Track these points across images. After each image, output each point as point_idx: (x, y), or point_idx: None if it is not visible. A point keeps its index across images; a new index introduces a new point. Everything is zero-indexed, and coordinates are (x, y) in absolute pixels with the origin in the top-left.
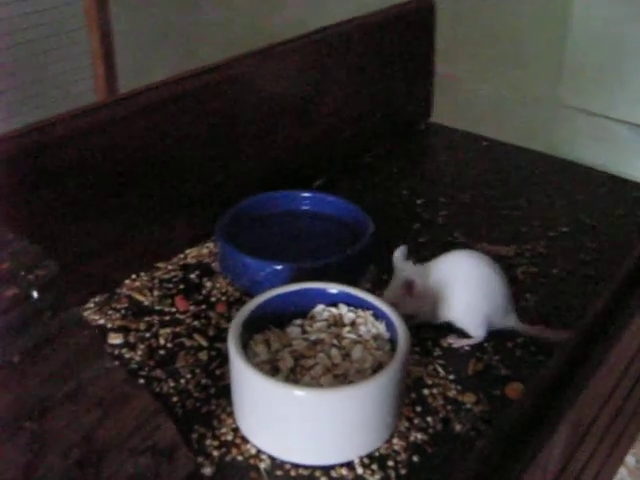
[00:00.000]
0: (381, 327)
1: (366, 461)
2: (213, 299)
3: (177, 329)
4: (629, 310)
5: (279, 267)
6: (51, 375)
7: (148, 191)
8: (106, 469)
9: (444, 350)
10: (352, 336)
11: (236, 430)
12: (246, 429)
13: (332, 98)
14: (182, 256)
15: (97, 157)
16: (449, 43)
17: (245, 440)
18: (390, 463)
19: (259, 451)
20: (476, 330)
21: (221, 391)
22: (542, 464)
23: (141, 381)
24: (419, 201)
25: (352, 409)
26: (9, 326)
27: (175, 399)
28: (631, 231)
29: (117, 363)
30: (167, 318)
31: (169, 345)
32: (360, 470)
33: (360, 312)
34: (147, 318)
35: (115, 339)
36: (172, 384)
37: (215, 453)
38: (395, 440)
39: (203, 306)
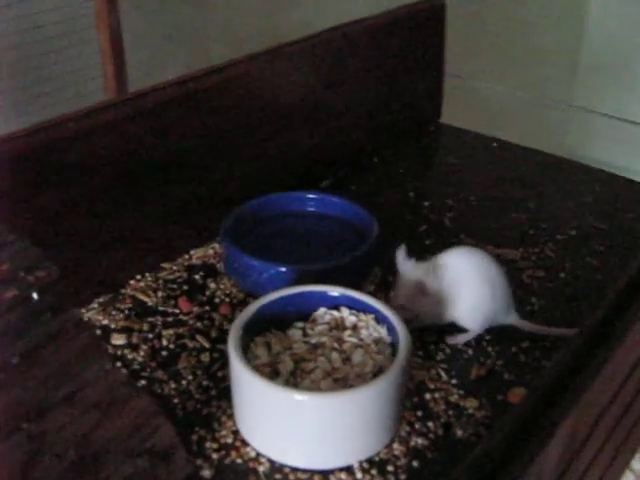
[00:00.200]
0: (382, 331)
1: (366, 466)
2: (217, 300)
3: (180, 330)
4: (632, 313)
5: (283, 269)
6: (50, 377)
7: (154, 191)
8: (103, 471)
9: (447, 354)
10: (353, 340)
11: (236, 433)
12: (246, 432)
13: (341, 98)
14: (187, 257)
15: (103, 157)
16: (461, 43)
17: (245, 443)
18: (390, 468)
19: (258, 454)
20: (473, 323)
21: (222, 393)
22: (536, 472)
23: (143, 382)
24: (426, 203)
25: (351, 414)
26: (8, 327)
27: (176, 400)
28: None
29: (118, 364)
30: (170, 319)
31: (171, 346)
32: (359, 475)
33: (362, 315)
34: (150, 319)
35: (118, 340)
36: (173, 385)
37: (214, 456)
38: (395, 445)
39: (207, 307)
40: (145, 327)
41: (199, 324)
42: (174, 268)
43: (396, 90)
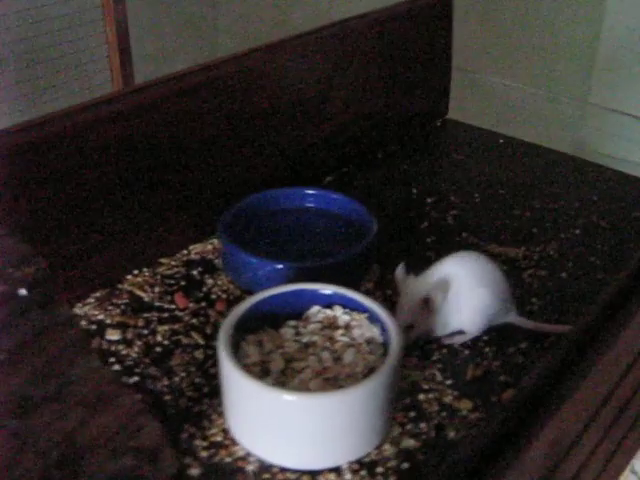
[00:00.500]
0: (375, 331)
1: (355, 467)
2: (213, 296)
3: (175, 326)
4: (625, 313)
5: (280, 266)
6: (36, 373)
7: (153, 185)
8: (86, 469)
9: (443, 354)
10: (345, 339)
11: (226, 431)
12: (235, 430)
13: (345, 93)
14: (186, 252)
15: (101, 151)
16: (473, 37)
17: (234, 442)
18: (379, 469)
19: (247, 453)
20: (475, 328)
21: (214, 390)
22: (515, 477)
23: (136, 378)
24: (429, 200)
25: (341, 414)
26: None
27: (168, 397)
28: None
29: (112, 360)
30: (166, 315)
31: (166, 342)
32: (348, 476)
33: (355, 315)
34: (146, 314)
35: (113, 335)
36: (166, 382)
37: (203, 454)
38: (386, 446)
39: (203, 303)
40: (140, 323)
41: (194, 320)
42: (172, 263)
43: (402, 85)
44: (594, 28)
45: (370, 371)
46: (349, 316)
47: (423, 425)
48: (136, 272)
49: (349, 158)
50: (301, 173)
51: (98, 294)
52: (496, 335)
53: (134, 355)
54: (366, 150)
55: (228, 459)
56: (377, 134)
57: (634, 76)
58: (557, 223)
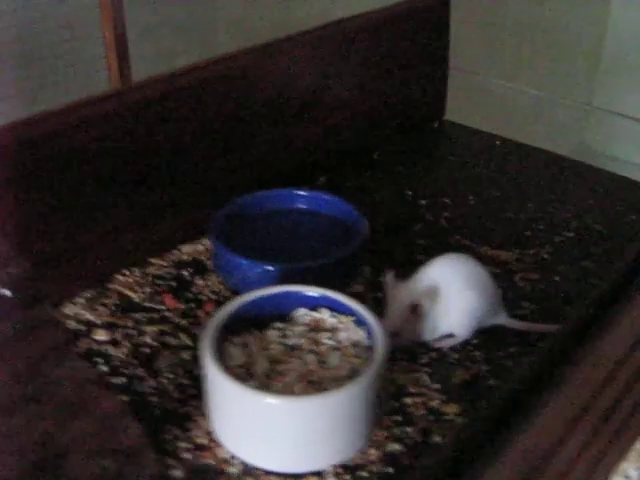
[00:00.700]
0: (362, 334)
1: (339, 470)
2: (203, 297)
3: (164, 327)
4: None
5: (270, 267)
6: (18, 374)
7: (145, 184)
8: (65, 470)
9: (432, 358)
10: (330, 342)
11: (210, 433)
12: (219, 433)
13: (340, 94)
14: (177, 252)
15: (92, 151)
16: (475, 37)
17: (218, 444)
18: (363, 474)
19: (231, 456)
20: (465, 331)
21: (200, 392)
22: None
23: (122, 379)
24: (423, 201)
25: (324, 418)
26: None
27: (153, 399)
28: None
29: (99, 361)
30: (155, 316)
31: (154, 343)
32: None
33: (342, 318)
34: (135, 315)
35: (101, 335)
36: (152, 383)
37: (187, 456)
38: (371, 450)
39: (192, 304)
40: (129, 323)
41: (183, 321)
42: (163, 263)
43: (398, 86)
44: (599, 29)
45: (355, 375)
46: (335, 319)
47: (409, 429)
48: (126, 272)
49: (344, 159)
50: (295, 174)
51: (88, 294)
52: (486, 339)
53: (121, 356)
54: (361, 151)
55: (211, 461)
56: (373, 135)
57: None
58: (551, 226)
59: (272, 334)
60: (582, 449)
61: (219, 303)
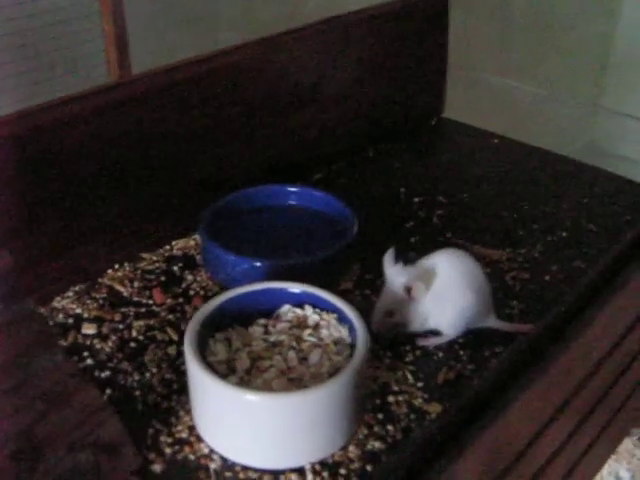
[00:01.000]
0: (344, 331)
1: (318, 468)
2: (192, 292)
3: (151, 322)
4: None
5: (257, 263)
6: None
7: (138, 179)
8: (42, 463)
9: (416, 356)
10: (312, 339)
11: (192, 428)
12: (200, 428)
13: (337, 90)
14: (168, 247)
15: (86, 145)
16: (481, 35)
17: (200, 439)
18: (342, 471)
19: (211, 451)
20: (454, 330)
21: (184, 387)
22: None
23: (107, 373)
24: (417, 199)
25: (303, 414)
26: None
27: (137, 393)
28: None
29: (85, 354)
30: (143, 310)
31: (140, 338)
32: (310, 477)
33: (325, 315)
34: (123, 309)
35: (89, 329)
36: (137, 377)
37: (168, 450)
38: (351, 447)
39: (180, 299)
40: (117, 317)
41: (171, 316)
42: (154, 258)
43: (396, 82)
44: (608, 27)
45: (336, 372)
46: (318, 316)
47: (390, 427)
48: (117, 266)
49: (339, 155)
50: (290, 170)
51: (77, 288)
52: (472, 338)
53: (108, 350)
54: (357, 148)
55: (192, 456)
56: (369, 131)
57: None
58: (545, 226)
59: (255, 330)
60: (558, 447)
61: (207, 298)
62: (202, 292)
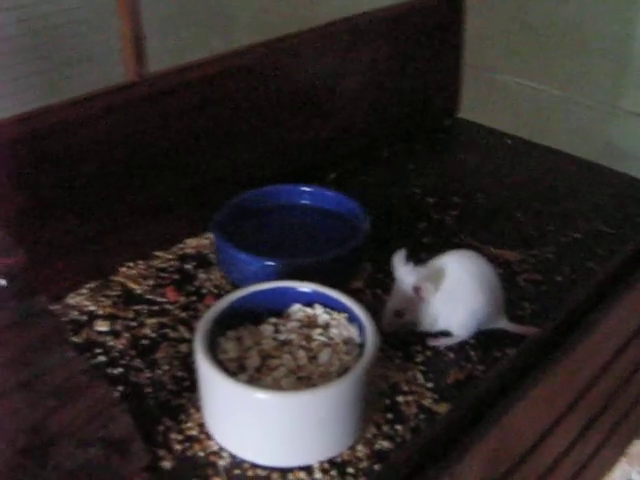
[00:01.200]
0: (353, 331)
1: (326, 466)
2: (204, 291)
3: (164, 319)
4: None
5: (270, 263)
6: (10, 362)
7: (152, 178)
8: (53, 458)
9: (427, 356)
10: (322, 339)
11: (202, 425)
12: (210, 425)
13: (352, 90)
14: (182, 246)
15: (101, 144)
16: (499, 36)
17: (209, 436)
18: (350, 470)
19: (220, 448)
20: (465, 331)
21: (195, 385)
22: None
23: (120, 370)
24: (430, 200)
25: (311, 413)
26: None
27: (149, 390)
28: None
29: (98, 351)
30: (156, 308)
31: (153, 335)
32: (318, 475)
33: (335, 314)
34: (137, 307)
35: (102, 326)
36: (149, 374)
37: (177, 447)
38: (360, 447)
39: (193, 298)
40: (130, 315)
41: (183, 314)
42: (167, 257)
43: (410, 83)
44: (627, 28)
45: (345, 371)
46: (328, 315)
47: (399, 427)
48: (131, 264)
49: (354, 155)
50: (304, 170)
51: (91, 285)
52: (483, 339)
53: (120, 347)
54: (372, 148)
55: (201, 453)
56: (384, 132)
57: None
58: (558, 227)
59: (266, 329)
60: (564, 450)
61: (220, 297)
62: (215, 290)
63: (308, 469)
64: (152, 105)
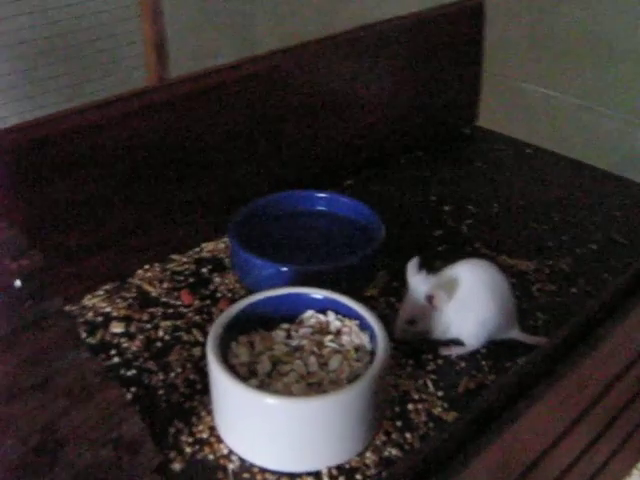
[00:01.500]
0: (365, 338)
1: (334, 472)
2: (219, 295)
3: (178, 322)
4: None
5: (284, 269)
6: (24, 362)
7: (172, 183)
8: (64, 457)
9: (438, 365)
10: (333, 345)
11: (213, 429)
12: (221, 429)
13: (370, 97)
14: (198, 249)
15: (121, 147)
16: (522, 44)
17: (219, 439)
18: (358, 477)
19: (230, 452)
20: (476, 340)
21: (207, 388)
22: None
23: (133, 372)
24: (447, 208)
25: (321, 419)
26: None
27: (161, 392)
28: None
29: (112, 353)
30: (170, 311)
31: (167, 338)
32: None
33: (347, 321)
34: (151, 309)
35: (117, 328)
36: (161, 377)
37: (188, 450)
38: (368, 454)
39: (207, 301)
40: (145, 317)
41: (197, 318)
42: (183, 260)
43: (430, 90)
44: None
45: (355, 378)
46: (340, 322)
47: (408, 435)
48: (147, 267)
49: (371, 162)
50: (321, 176)
51: (108, 286)
52: (495, 349)
53: (134, 349)
54: (389, 155)
55: (211, 456)
56: (402, 139)
57: None
58: (574, 237)
59: (278, 334)
60: (569, 463)
61: (234, 301)
62: (229, 295)
63: (317, 475)
64: (172, 110)
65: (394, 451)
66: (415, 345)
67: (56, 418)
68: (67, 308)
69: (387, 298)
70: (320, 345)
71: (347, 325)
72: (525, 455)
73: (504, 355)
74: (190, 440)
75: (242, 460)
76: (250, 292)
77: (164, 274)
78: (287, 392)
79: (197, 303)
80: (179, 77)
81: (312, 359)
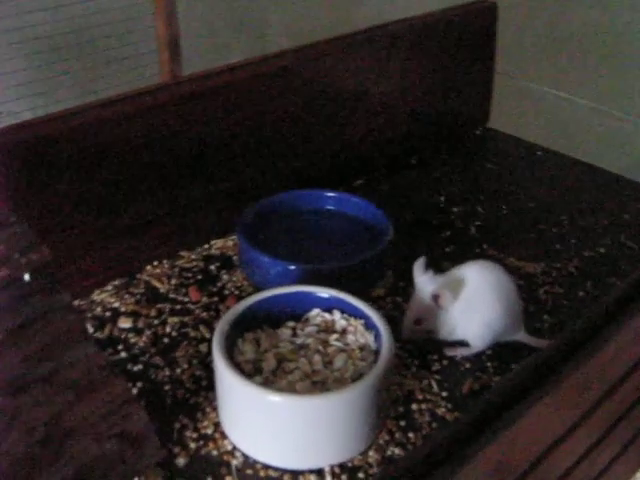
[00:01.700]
0: (369, 337)
1: (337, 470)
2: (226, 292)
3: (185, 319)
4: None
5: (292, 267)
6: (31, 355)
7: (182, 180)
8: (69, 450)
9: (443, 365)
10: (338, 344)
11: (217, 425)
12: (225, 425)
13: (382, 97)
14: (207, 246)
15: (132, 143)
16: (534, 45)
17: (224, 435)
18: (360, 475)
19: (234, 448)
20: (481, 342)
21: (212, 384)
22: None
23: (140, 366)
24: (455, 209)
25: (324, 417)
26: None
27: (167, 387)
28: None
29: (119, 347)
30: (178, 307)
31: (174, 334)
32: (329, 479)
33: (352, 320)
34: (159, 305)
35: (125, 323)
36: (168, 372)
37: (192, 445)
38: (371, 452)
39: (215, 298)
40: (153, 313)
41: (204, 314)
42: (192, 257)
43: (441, 91)
44: None
45: (359, 377)
46: (346, 321)
47: (411, 435)
48: (156, 263)
49: (381, 162)
50: (332, 175)
51: (117, 282)
52: (500, 350)
53: (141, 344)
54: (400, 155)
55: (215, 452)
56: (412, 139)
57: None
58: (582, 240)
59: (284, 332)
60: (568, 467)
61: (241, 299)
62: (237, 292)
63: (319, 472)
64: (184, 107)
65: (397, 450)
66: (421, 345)
67: (62, 411)
68: (76, 303)
69: (394, 298)
70: (325, 344)
71: (352, 324)
72: (525, 457)
73: (509, 357)
74: (195, 436)
75: (245, 456)
76: (257, 290)
77: (173, 270)
78: (291, 390)
79: (205, 300)
80: (192, 75)
81: (317, 357)
